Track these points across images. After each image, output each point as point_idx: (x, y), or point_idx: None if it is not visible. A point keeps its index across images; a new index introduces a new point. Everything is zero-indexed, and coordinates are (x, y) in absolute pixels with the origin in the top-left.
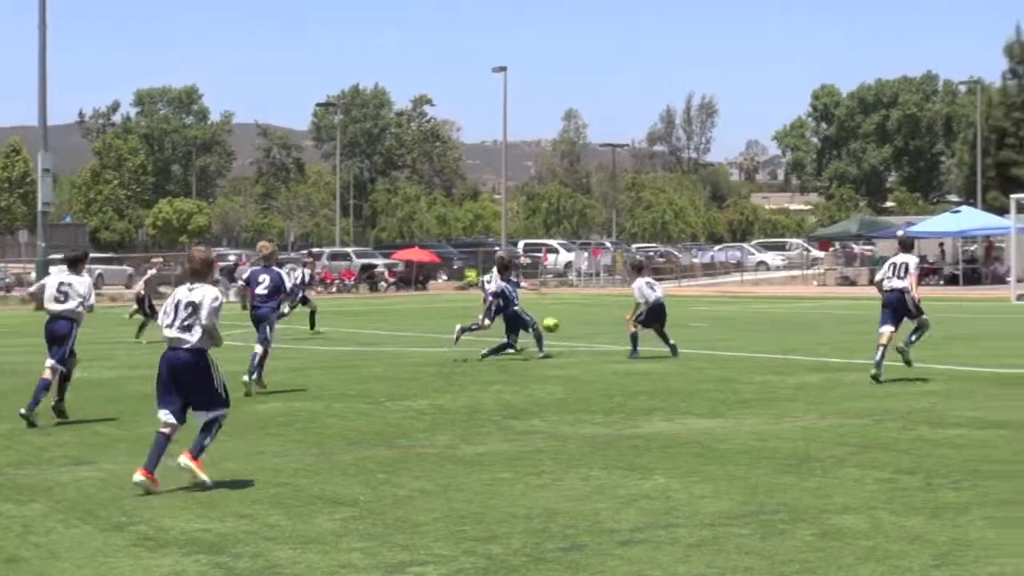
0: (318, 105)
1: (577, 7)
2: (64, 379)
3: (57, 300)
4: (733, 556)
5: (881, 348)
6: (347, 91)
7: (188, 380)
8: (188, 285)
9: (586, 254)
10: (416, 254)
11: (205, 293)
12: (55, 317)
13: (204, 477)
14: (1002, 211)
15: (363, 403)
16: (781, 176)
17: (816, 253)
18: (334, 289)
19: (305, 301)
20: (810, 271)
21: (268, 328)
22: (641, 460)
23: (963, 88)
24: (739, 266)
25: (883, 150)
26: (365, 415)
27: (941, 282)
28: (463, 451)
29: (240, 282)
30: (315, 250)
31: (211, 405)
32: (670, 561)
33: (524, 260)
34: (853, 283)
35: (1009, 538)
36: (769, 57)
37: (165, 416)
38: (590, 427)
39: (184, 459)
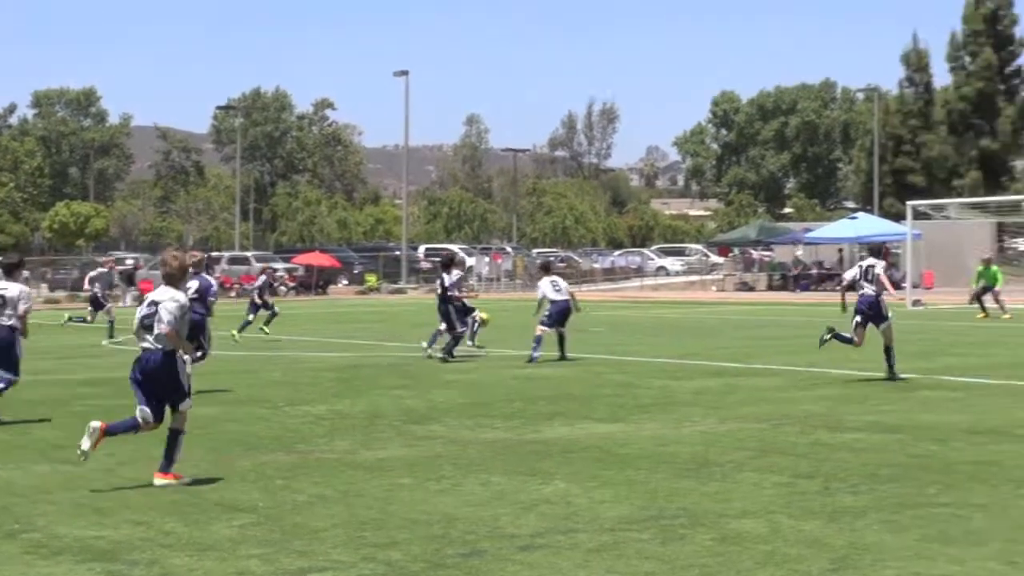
0: (218, 108)
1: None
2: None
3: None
4: (633, 561)
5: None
6: (248, 94)
7: (158, 379)
8: (161, 289)
9: (487, 259)
10: (316, 258)
11: (168, 295)
12: None
13: (176, 481)
14: (898, 218)
15: (262, 408)
16: (681, 182)
17: (715, 259)
18: (232, 294)
19: (266, 305)
20: (709, 277)
21: (202, 337)
22: (541, 465)
23: (861, 95)
24: (639, 271)
25: (781, 156)
26: (263, 420)
27: (838, 288)
28: (363, 456)
29: None
30: (214, 254)
31: (180, 399)
32: (570, 566)
33: (425, 265)
34: (752, 288)
35: (905, 542)
36: (670, 63)
37: (142, 413)
38: (490, 432)
39: (156, 479)
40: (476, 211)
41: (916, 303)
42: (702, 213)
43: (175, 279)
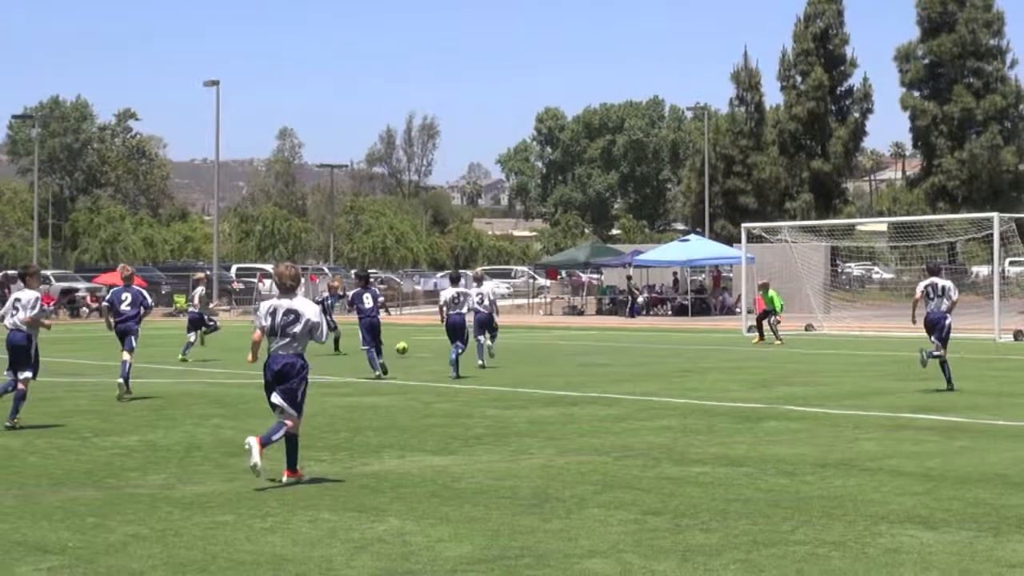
0: (14, 117)
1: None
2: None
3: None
4: None
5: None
6: (46, 103)
7: (284, 376)
8: (277, 299)
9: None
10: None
11: (306, 306)
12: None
13: (257, 459)
14: (730, 240)
15: (67, 439)
16: (505, 201)
17: (542, 281)
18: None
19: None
20: (536, 300)
21: (134, 339)
22: (373, 501)
23: (690, 114)
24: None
25: (609, 176)
26: (70, 452)
27: (670, 312)
28: (180, 492)
29: (104, 303)
30: (10, 272)
31: (292, 403)
32: None
33: (237, 285)
34: (581, 312)
35: None
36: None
37: (275, 399)
38: (316, 465)
39: (256, 445)
40: (291, 229)
41: (752, 329)
42: (527, 234)
43: (290, 288)
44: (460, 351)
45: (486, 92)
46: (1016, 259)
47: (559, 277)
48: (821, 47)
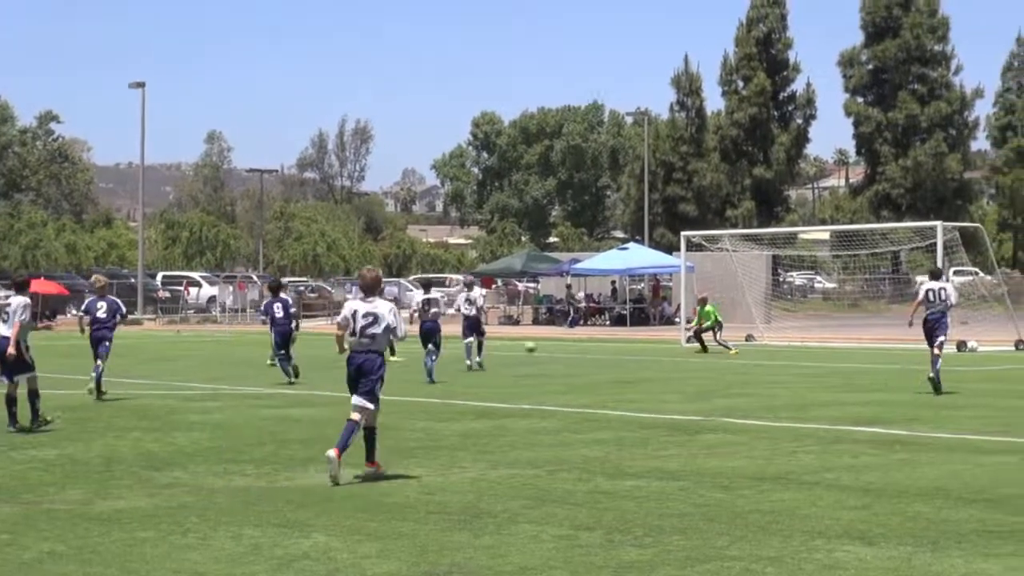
0: None
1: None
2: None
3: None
4: None
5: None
6: None
7: (364, 374)
8: (363, 299)
9: (231, 288)
10: (42, 286)
11: (384, 307)
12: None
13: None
14: (670, 249)
15: None
16: (440, 208)
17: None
18: None
19: None
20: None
21: (108, 344)
22: (298, 516)
23: (630, 119)
24: (396, 302)
25: (547, 182)
26: None
27: (608, 322)
28: (98, 507)
29: (81, 312)
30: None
31: (369, 397)
32: None
33: (163, 294)
34: (517, 322)
35: None
36: (428, 82)
37: (355, 400)
38: (240, 479)
39: (331, 452)
40: (219, 236)
41: (691, 339)
42: (463, 241)
43: (373, 290)
44: (434, 358)
45: (421, 96)
46: (960, 269)
47: (495, 286)
48: (764, 52)
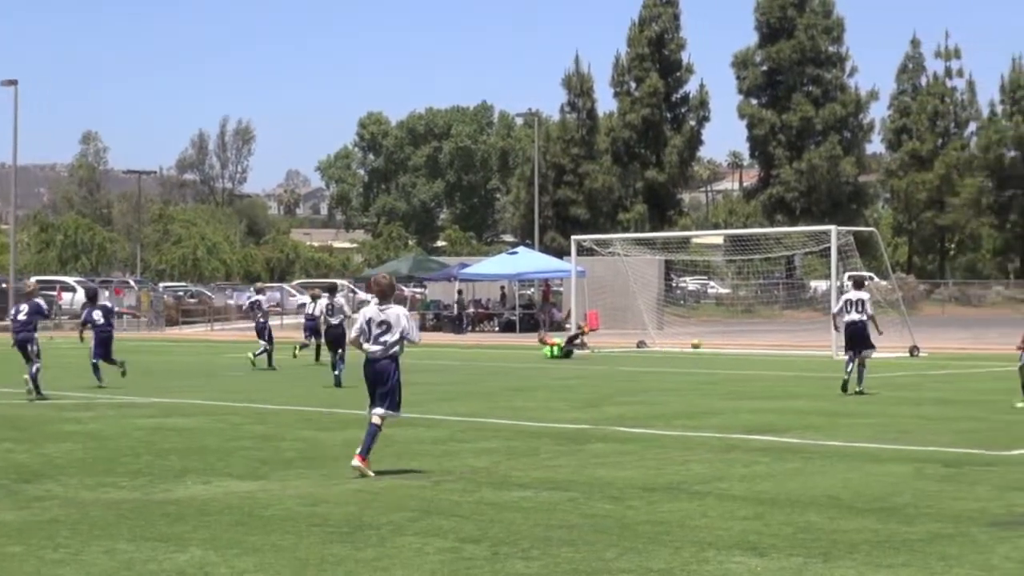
0: None
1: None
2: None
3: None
4: None
5: (849, 365)
6: None
7: (379, 383)
8: (378, 306)
9: (107, 293)
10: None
11: (396, 313)
12: None
13: (371, 473)
14: (561, 253)
15: None
16: (324, 211)
17: (363, 295)
18: None
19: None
20: (357, 315)
21: (32, 346)
22: (174, 529)
23: (520, 120)
24: (279, 308)
25: (434, 185)
26: None
27: (497, 328)
28: None
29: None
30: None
31: (390, 405)
32: None
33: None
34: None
35: None
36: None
37: (377, 411)
38: (114, 492)
39: (355, 460)
40: (95, 239)
41: (581, 346)
42: (348, 245)
43: (387, 296)
44: (342, 366)
45: (305, 95)
46: (853, 273)
47: None
48: (656, 52)
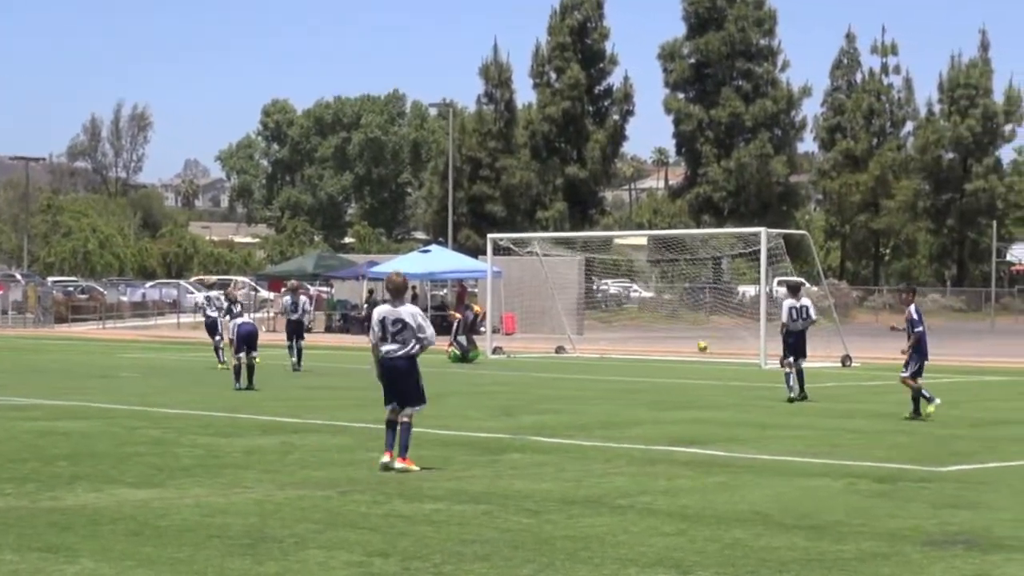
0: None
1: None
2: None
3: None
4: None
5: (788, 375)
6: None
7: (401, 382)
8: (390, 306)
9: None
10: None
11: (410, 312)
12: None
13: (415, 467)
14: (476, 252)
15: None
16: (225, 203)
17: (265, 294)
18: None
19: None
20: (259, 314)
21: None
22: (63, 540)
23: (433, 111)
24: (176, 306)
25: (343, 178)
26: None
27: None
28: None
29: None
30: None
31: (416, 402)
32: None
33: None
34: (308, 329)
35: None
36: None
37: (391, 410)
38: None
39: (397, 463)
40: None
41: (497, 351)
42: (250, 240)
43: (400, 294)
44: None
45: (205, 80)
46: (785, 278)
47: (284, 289)
48: (578, 41)
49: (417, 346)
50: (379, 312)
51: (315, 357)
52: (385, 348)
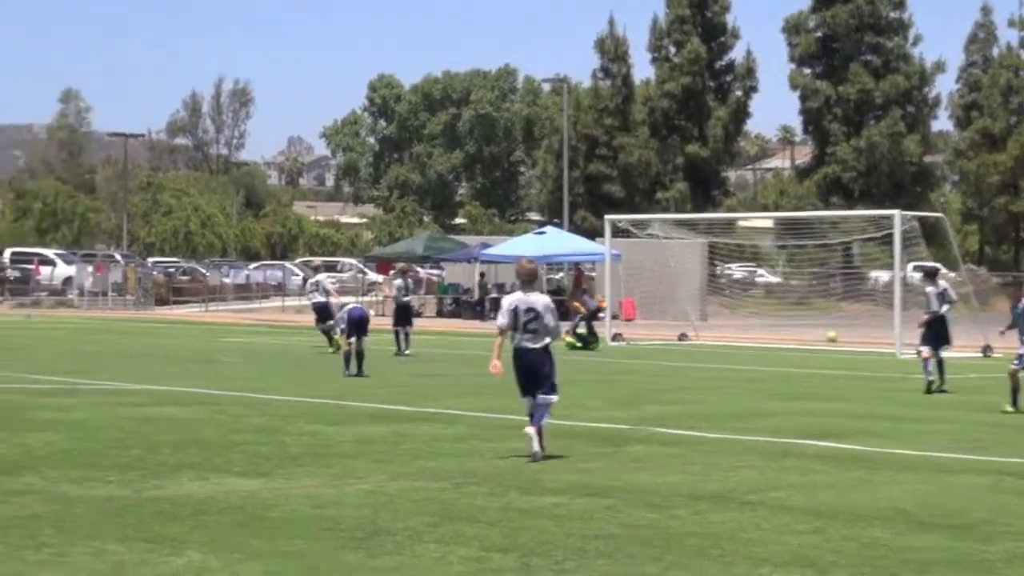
0: None
1: None
2: None
3: None
4: None
5: (926, 362)
6: None
7: (535, 372)
8: (522, 293)
9: (90, 268)
10: None
11: (541, 301)
12: None
13: (537, 448)
14: (593, 234)
15: None
16: (331, 182)
17: (374, 276)
18: None
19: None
20: (367, 298)
21: None
22: (169, 530)
23: (547, 87)
24: (280, 289)
25: (452, 156)
26: None
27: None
28: None
29: None
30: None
31: (549, 391)
32: None
33: (11, 273)
34: (418, 314)
35: None
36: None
37: (528, 403)
38: (102, 487)
39: (529, 429)
40: (76, 208)
41: (616, 338)
42: (356, 220)
43: (532, 282)
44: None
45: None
46: (920, 263)
47: (392, 271)
48: (698, 14)
49: (548, 339)
50: (510, 300)
51: (425, 343)
52: (518, 339)
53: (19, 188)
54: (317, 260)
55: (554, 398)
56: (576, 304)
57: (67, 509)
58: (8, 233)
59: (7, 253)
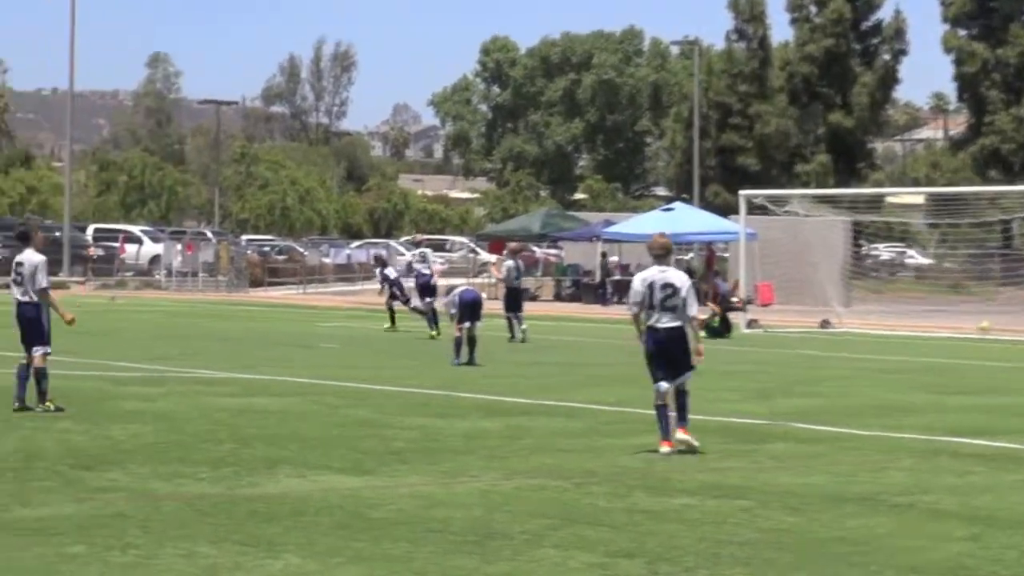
0: None
1: None
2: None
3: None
4: None
5: None
6: None
7: (673, 353)
8: (658, 268)
9: (179, 247)
10: None
11: (680, 277)
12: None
13: (695, 443)
14: (727, 211)
15: None
16: (439, 153)
17: (486, 256)
18: None
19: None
20: (478, 279)
21: None
22: (265, 531)
23: (676, 49)
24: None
25: (572, 125)
26: None
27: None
28: (17, 515)
29: None
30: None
31: (688, 368)
32: None
33: (95, 251)
34: (535, 297)
35: None
36: None
37: (664, 387)
38: (192, 484)
39: (680, 434)
40: (164, 181)
41: (752, 324)
42: (467, 195)
43: (666, 257)
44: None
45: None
46: None
47: (507, 251)
48: None
49: (688, 313)
50: (644, 276)
51: (542, 329)
52: (655, 318)
53: (103, 160)
54: (420, 236)
55: (689, 375)
56: (709, 302)
57: (155, 508)
58: (91, 208)
59: (90, 230)
